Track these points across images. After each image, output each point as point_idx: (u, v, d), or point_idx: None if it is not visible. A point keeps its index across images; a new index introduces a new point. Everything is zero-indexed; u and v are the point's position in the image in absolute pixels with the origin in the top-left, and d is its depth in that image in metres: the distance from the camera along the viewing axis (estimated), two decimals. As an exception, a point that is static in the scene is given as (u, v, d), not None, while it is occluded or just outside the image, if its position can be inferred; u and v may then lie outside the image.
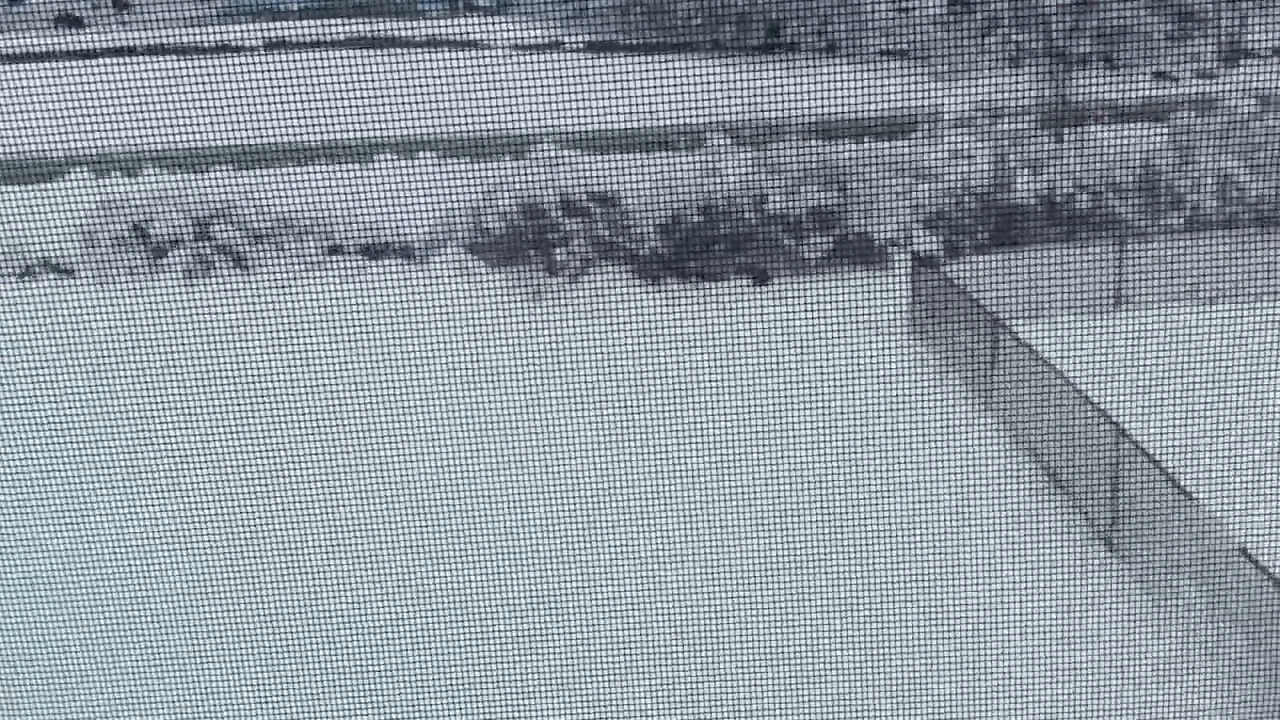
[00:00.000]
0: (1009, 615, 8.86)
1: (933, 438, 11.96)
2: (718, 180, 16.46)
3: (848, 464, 11.28)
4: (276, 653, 8.74)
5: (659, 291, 15.72)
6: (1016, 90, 22.10)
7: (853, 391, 12.73)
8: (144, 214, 18.12)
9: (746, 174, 16.58)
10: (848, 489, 10.91)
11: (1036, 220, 16.39)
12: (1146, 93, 21.91)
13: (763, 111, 16.48)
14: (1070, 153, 17.20)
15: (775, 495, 10.86)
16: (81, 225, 17.82)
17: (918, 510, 10.44)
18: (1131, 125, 18.24)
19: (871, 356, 13.89)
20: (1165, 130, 17.28)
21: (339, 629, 9.05)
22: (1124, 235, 15.22)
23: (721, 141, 16.94)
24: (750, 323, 14.76)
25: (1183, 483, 9.20)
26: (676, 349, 14.21)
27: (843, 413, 12.19)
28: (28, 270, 17.80)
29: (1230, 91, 18.46)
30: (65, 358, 13.14)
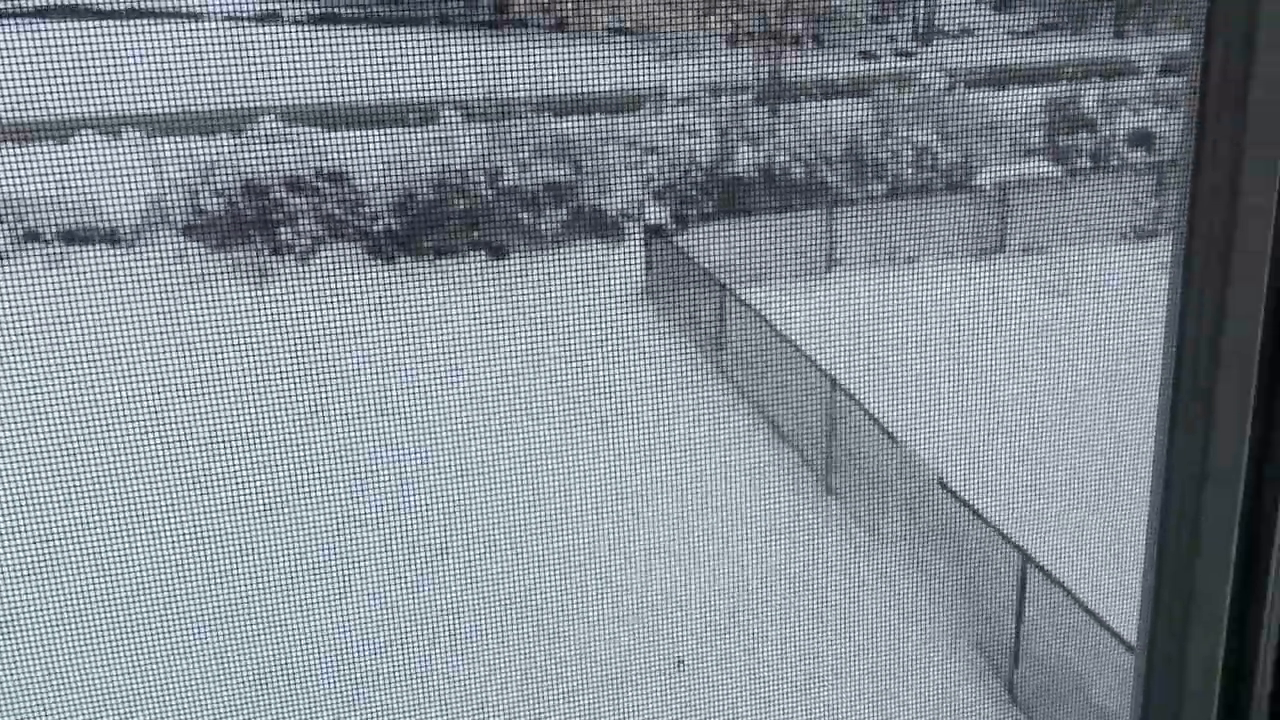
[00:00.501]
0: (742, 553, 9.40)
1: (671, 399, 12.45)
2: (451, 156, 16.34)
3: (596, 432, 11.56)
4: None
5: (393, 269, 15.47)
6: (736, 68, 23.13)
7: (594, 360, 13.05)
8: None
9: (480, 150, 16.55)
10: (596, 456, 11.19)
11: (757, 191, 17.29)
12: (852, 70, 23.48)
13: (495, 87, 16.49)
14: (786, 127, 18.22)
15: (528, 467, 10.99)
16: None
17: (659, 468, 10.86)
18: (838, 100, 19.53)
19: (610, 326, 14.26)
20: (868, 105, 18.62)
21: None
22: (833, 203, 16.34)
23: (453, 117, 16.80)
24: (490, 297, 14.79)
25: (889, 427, 10.05)
26: (416, 325, 14.05)
27: (586, 382, 12.47)
28: None
29: (924, 68, 20.11)
30: None
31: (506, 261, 15.86)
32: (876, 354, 12.00)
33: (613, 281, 15.89)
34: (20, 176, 15.86)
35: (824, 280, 15.10)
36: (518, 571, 9.41)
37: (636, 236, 16.40)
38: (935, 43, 26.97)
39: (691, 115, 18.18)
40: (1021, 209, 16.16)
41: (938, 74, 19.31)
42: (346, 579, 9.56)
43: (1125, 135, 18.92)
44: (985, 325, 13.31)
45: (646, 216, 16.79)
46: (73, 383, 12.30)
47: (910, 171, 17.78)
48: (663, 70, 21.35)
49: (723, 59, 23.53)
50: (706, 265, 14.15)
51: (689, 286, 13.90)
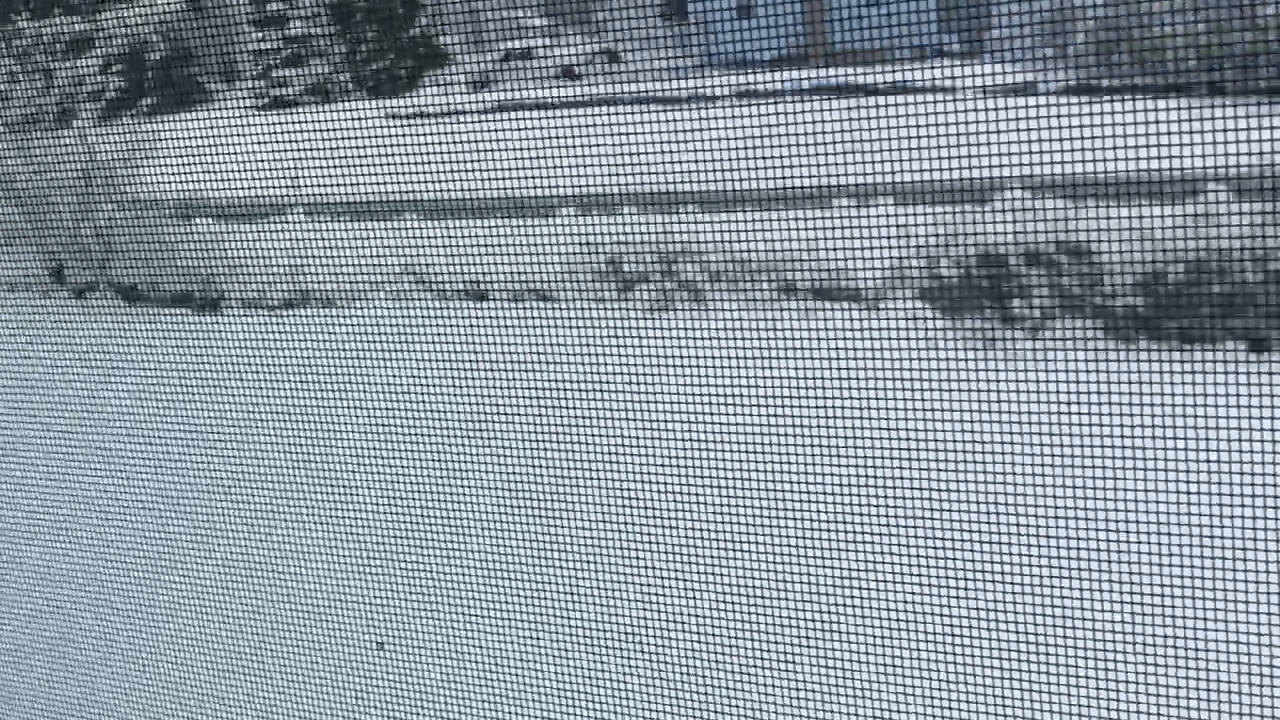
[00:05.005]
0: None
1: None
2: (1210, 234, 14.67)
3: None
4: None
5: (1132, 352, 14.26)
6: None
7: None
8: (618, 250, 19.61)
9: (1251, 227, 14.62)
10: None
11: None
12: None
13: (1268, 159, 14.46)
14: None
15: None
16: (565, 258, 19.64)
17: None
18: None
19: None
20: None
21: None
22: None
23: (1220, 193, 15.07)
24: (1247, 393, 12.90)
25: None
26: (1149, 415, 12.75)
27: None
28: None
29: None
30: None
31: (1268, 355, 13.76)
32: None
33: None
34: (783, 236, 17.64)
35: None
36: None
37: None
38: None
39: None
40: None
41: None
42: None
43: None
44: None
45: None
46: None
47: None
48: None
49: None
50: None
51: None
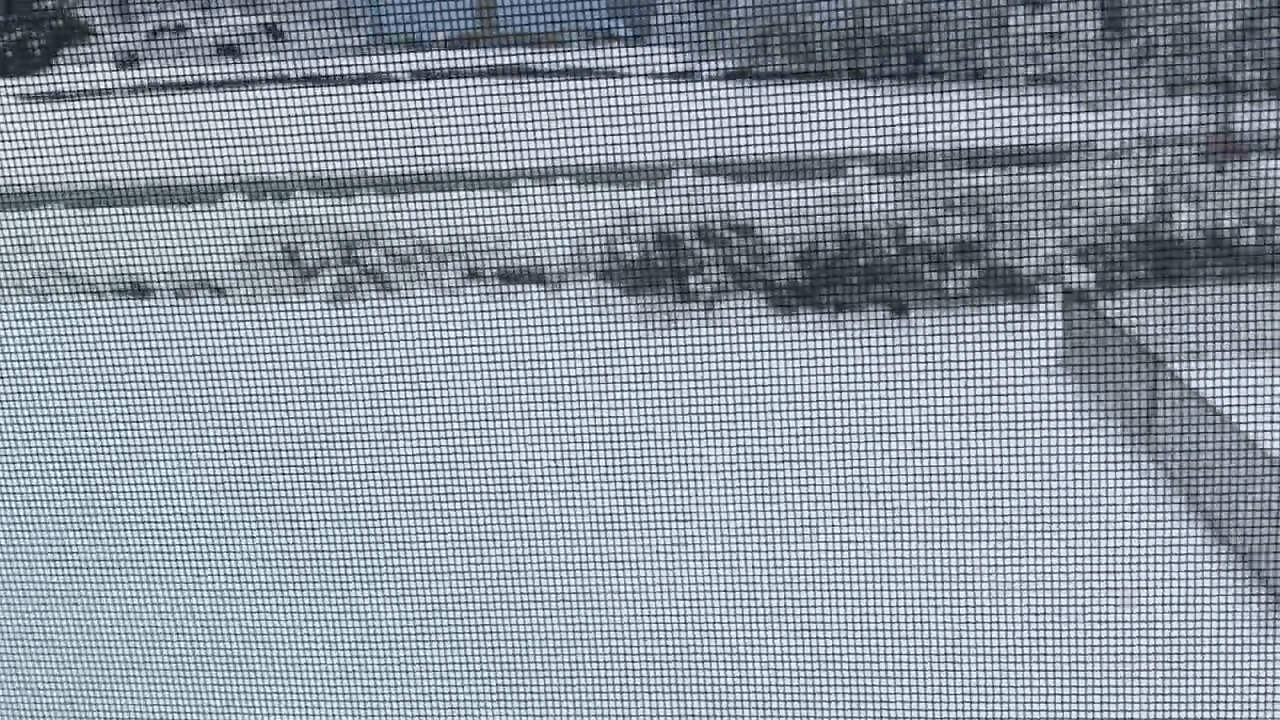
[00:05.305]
0: (1172, 674, 8.21)
1: (1087, 484, 11.31)
2: (857, 210, 16.08)
3: (1002, 516, 10.74)
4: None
5: (794, 321, 15.39)
6: (1176, 120, 21.04)
7: (997, 433, 12.15)
8: (294, 237, 18.75)
9: (888, 205, 16.16)
10: (1000, 540, 10.39)
11: (1200, 255, 15.48)
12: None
13: (905, 140, 16.04)
14: (1235, 184, 16.21)
15: (916, 547, 10.41)
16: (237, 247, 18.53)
17: (1071, 560, 9.83)
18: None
19: (1019, 397, 13.26)
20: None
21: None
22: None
23: (861, 171, 16.54)
24: (889, 354, 14.28)
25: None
26: (810, 378, 13.85)
27: (987, 456, 11.64)
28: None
29: None
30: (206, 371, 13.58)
31: (907, 318, 15.32)
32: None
33: (1023, 348, 14.82)
34: (466, 221, 17.55)
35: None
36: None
37: (1054, 300, 15.22)
38: None
39: (1124, 170, 16.67)
40: None
41: None
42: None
43: None
44: None
45: (1067, 278, 15.55)
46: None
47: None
48: (1087, 121, 19.84)
49: (1160, 110, 21.50)
50: (1136, 335, 12.78)
51: (1114, 358, 12.61)
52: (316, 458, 12.26)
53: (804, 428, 12.69)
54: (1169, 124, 20.26)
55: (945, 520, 10.58)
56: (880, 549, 10.24)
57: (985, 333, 14.95)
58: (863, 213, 15.93)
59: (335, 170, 18.76)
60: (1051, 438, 12.33)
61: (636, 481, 11.61)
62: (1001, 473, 11.20)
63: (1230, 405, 11.49)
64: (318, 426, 12.89)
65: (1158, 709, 7.84)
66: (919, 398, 12.89)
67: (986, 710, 8.08)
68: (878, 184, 16.33)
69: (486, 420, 13.14)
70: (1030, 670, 8.50)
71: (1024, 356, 14.79)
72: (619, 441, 12.59)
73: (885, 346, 14.78)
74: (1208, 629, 8.81)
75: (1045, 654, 8.67)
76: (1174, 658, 8.37)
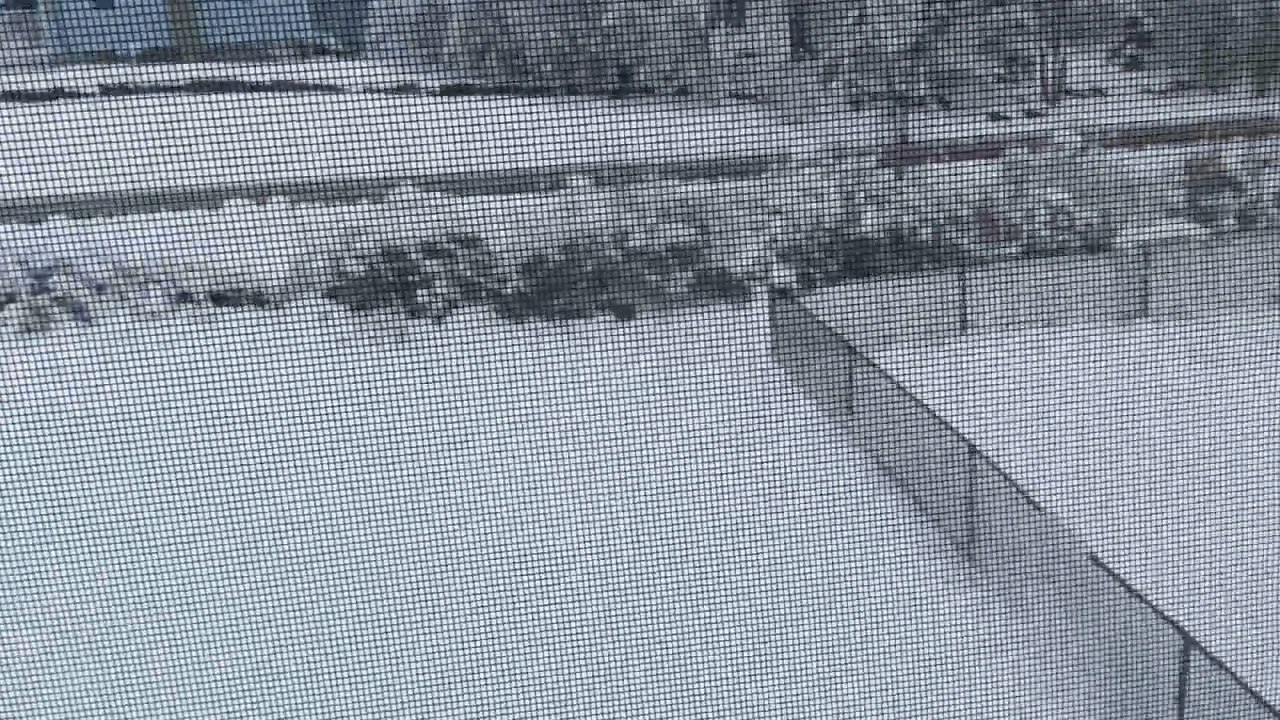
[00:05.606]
0: (878, 629, 9.10)
1: (798, 463, 12.26)
2: (578, 219, 16.61)
3: (721, 499, 11.44)
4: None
5: (524, 330, 15.69)
6: (860, 131, 23.05)
7: (716, 423, 12.95)
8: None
9: (607, 213, 16.79)
10: (719, 522, 11.06)
11: (884, 252, 17.07)
12: (981, 131, 23.13)
13: (621, 153, 16.74)
14: (912, 188, 18.00)
15: (645, 529, 10.93)
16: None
17: (786, 532, 10.65)
18: (968, 162, 19.23)
19: (734, 388, 14.17)
20: (999, 165, 18.28)
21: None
22: (965, 265, 16.00)
23: (581, 182, 17.10)
24: (616, 358, 14.87)
25: (1034, 495, 9.67)
26: (544, 385, 14.20)
27: (708, 446, 12.38)
28: None
29: (1056, 127, 19.67)
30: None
31: (634, 320, 15.97)
32: (1015, 418, 11.61)
33: (738, 343, 15.82)
34: (175, 241, 16.68)
35: (956, 343, 14.75)
36: (640, 626, 9.31)
37: (762, 298, 16.34)
38: (1064, 103, 26.45)
39: (816, 178, 18.13)
40: (1164, 271, 15.56)
41: (1070, 133, 18.88)
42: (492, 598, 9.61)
43: (1275, 195, 18.12)
44: (1131, 391, 12.78)
45: (773, 278, 16.73)
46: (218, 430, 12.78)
47: (1045, 232, 17.33)
48: (786, 134, 21.38)
49: (847, 122, 23.46)
50: (834, 327, 13.97)
51: (816, 348, 13.74)
52: None
53: (541, 432, 13.01)
54: (853, 134, 22.19)
55: (676, 503, 11.17)
56: (621, 542, 10.70)
57: (704, 330, 15.86)
58: (585, 222, 16.48)
59: (17, 194, 17.33)
60: (766, 419, 13.27)
61: (379, 504, 11.53)
62: (726, 453, 11.96)
63: (915, 384, 12.81)
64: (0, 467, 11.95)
65: (870, 654, 8.69)
66: (649, 394, 13.53)
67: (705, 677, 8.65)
68: (597, 194, 16.94)
69: (207, 451, 12.62)
70: (744, 633, 9.17)
71: (739, 349, 15.82)
72: (354, 462, 12.43)
73: (614, 349, 15.38)
74: (905, 582, 9.82)
75: (762, 613, 9.37)
76: (875, 607, 9.29)
